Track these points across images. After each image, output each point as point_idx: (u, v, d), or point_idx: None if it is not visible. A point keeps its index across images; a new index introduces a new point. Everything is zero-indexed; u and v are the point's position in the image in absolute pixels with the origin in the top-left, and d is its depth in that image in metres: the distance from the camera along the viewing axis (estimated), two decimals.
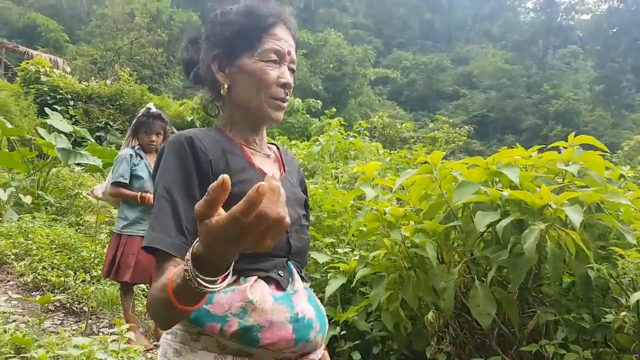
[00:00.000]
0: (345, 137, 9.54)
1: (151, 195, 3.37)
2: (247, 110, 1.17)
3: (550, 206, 1.95)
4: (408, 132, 18.39)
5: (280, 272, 1.11)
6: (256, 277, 1.06)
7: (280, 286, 1.09)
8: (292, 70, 1.18)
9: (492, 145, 42.68)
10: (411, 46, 64.92)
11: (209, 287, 0.75)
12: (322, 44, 36.14)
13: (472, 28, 76.83)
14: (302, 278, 1.18)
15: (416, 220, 2.51)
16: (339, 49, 34.37)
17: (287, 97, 1.17)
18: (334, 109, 15.91)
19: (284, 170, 1.27)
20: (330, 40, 35.70)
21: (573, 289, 2.26)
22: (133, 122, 3.62)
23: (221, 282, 0.77)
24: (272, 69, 1.13)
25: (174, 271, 0.84)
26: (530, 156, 2.50)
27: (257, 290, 1.03)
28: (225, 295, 1.02)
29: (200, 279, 0.74)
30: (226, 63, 1.15)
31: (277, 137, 11.29)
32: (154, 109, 3.57)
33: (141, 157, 3.54)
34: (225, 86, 1.15)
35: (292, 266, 1.16)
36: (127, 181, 3.43)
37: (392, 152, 10.69)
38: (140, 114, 3.55)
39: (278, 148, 1.35)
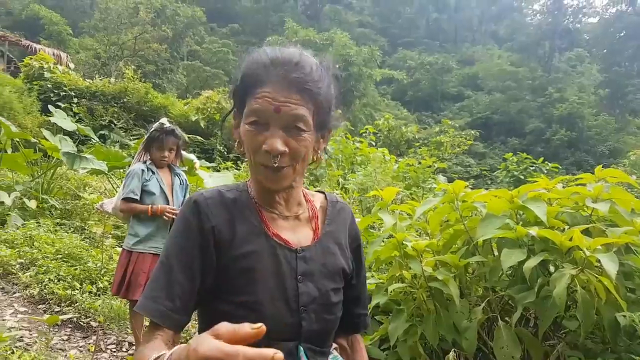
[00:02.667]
0: (351, 142, 9.49)
1: (162, 207, 3.33)
2: (252, 175, 1.09)
3: (581, 250, 1.88)
4: (413, 134, 18.35)
5: None
6: None
7: None
8: (296, 130, 0.99)
9: (495, 148, 42.66)
10: (417, 46, 64.73)
11: None
12: (329, 43, 36.00)
13: (479, 29, 76.63)
14: None
15: (436, 250, 2.45)
16: (345, 48, 34.21)
17: (277, 165, 0.99)
18: (339, 111, 15.77)
19: (319, 232, 1.14)
20: (337, 40, 35.56)
21: (598, 332, 2.20)
22: (145, 137, 3.54)
23: None
24: (256, 133, 0.99)
25: None
26: (554, 187, 2.44)
27: None
28: None
29: None
30: (238, 121, 1.07)
31: None
32: (167, 125, 3.49)
33: (153, 172, 3.47)
34: (236, 142, 1.09)
35: (301, 352, 1.03)
36: (137, 197, 3.36)
37: (397, 156, 10.64)
38: (153, 129, 3.47)
39: (326, 197, 1.22)
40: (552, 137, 41.67)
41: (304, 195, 1.18)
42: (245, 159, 1.10)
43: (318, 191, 1.24)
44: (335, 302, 1.10)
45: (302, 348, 1.04)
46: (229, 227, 1.04)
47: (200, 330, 1.07)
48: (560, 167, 14.81)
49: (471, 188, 2.90)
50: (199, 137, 14.71)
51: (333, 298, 1.10)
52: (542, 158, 14.06)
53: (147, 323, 3.41)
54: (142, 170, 3.42)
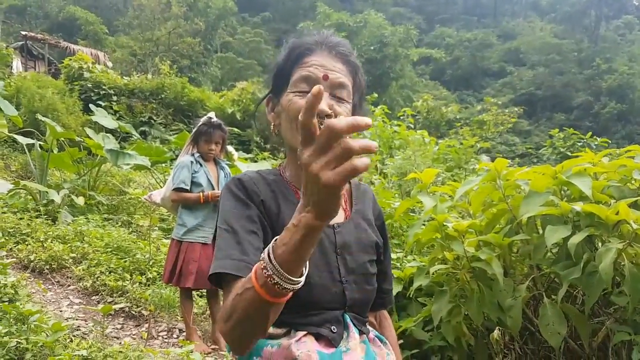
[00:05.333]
0: (389, 126, 9.39)
1: (212, 192, 3.45)
2: (291, 148, 1.13)
3: (628, 223, 1.82)
4: (454, 114, 18.01)
5: (333, 327, 1.05)
6: (306, 332, 1.02)
7: (331, 343, 1.03)
8: (340, 99, 1.06)
9: (540, 125, 41.40)
10: (455, 22, 63.28)
11: (290, 283, 0.79)
12: (362, 25, 35.64)
13: (519, 1, 74.10)
14: (360, 332, 1.11)
15: (478, 230, 2.41)
16: (380, 29, 33.77)
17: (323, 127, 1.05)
18: (375, 95, 15.70)
19: (351, 210, 1.21)
20: (371, 21, 35.14)
21: None
22: (193, 131, 3.70)
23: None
24: (302, 97, 1.04)
25: (254, 269, 0.84)
26: (600, 161, 2.36)
27: (303, 346, 0.98)
28: (272, 349, 1.00)
29: (281, 276, 0.78)
30: (275, 103, 1.15)
31: None
32: (214, 119, 3.64)
33: (200, 165, 3.61)
34: (272, 126, 1.15)
35: (348, 319, 1.09)
36: (188, 187, 3.51)
37: (438, 138, 10.47)
38: (201, 123, 3.63)
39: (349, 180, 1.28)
40: (600, 111, 40.12)
41: None
42: (275, 148, 1.13)
43: None
44: (372, 273, 1.17)
45: (347, 316, 1.09)
46: (275, 202, 1.10)
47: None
48: (610, 142, 14.19)
49: (516, 167, 2.84)
50: (235, 129, 14.88)
51: (370, 269, 1.17)
52: (591, 133, 13.54)
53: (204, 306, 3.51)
54: (191, 162, 3.57)
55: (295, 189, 1.14)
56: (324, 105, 1.00)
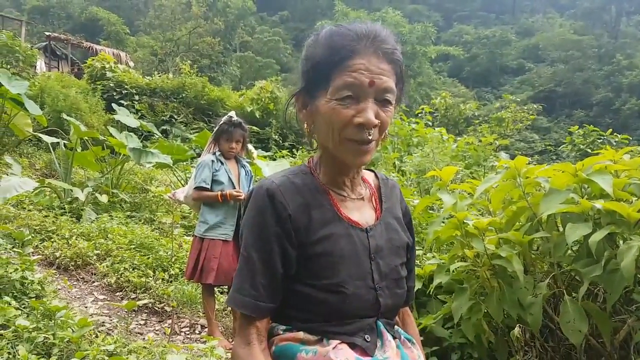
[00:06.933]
0: (407, 123, 9.37)
1: (230, 191, 3.51)
2: (329, 154, 1.07)
3: None
4: (472, 112, 17.88)
5: (367, 335, 1.04)
6: (340, 340, 1.01)
7: (366, 352, 1.02)
8: (385, 102, 0.99)
9: (560, 122, 40.87)
10: (473, 19, 62.73)
11: None
12: (380, 23, 35.47)
13: None
14: (393, 336, 1.10)
15: (498, 228, 2.42)
16: (398, 27, 33.67)
17: (371, 138, 0.98)
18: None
19: (381, 209, 1.16)
20: (388, 19, 35.07)
21: None
22: (215, 130, 3.77)
23: None
24: (346, 107, 0.97)
25: None
26: (621, 159, 2.35)
27: (342, 354, 0.97)
28: (307, 356, 0.99)
29: None
30: (307, 101, 1.06)
31: None
32: (235, 118, 3.71)
33: (222, 163, 3.69)
34: (305, 126, 1.08)
35: (382, 326, 1.07)
36: (209, 186, 3.60)
37: (456, 135, 10.40)
38: (222, 122, 3.70)
39: (377, 175, 1.25)
40: (621, 107, 39.46)
41: None
42: (305, 143, 1.13)
43: (367, 169, 1.25)
44: (403, 276, 1.14)
45: (380, 323, 1.08)
46: (305, 212, 1.04)
47: (281, 312, 1.09)
48: (631, 139, 13.94)
49: (535, 164, 2.83)
50: (254, 127, 14.96)
51: (402, 272, 1.14)
52: (611, 130, 13.32)
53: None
54: (212, 161, 3.65)
55: (330, 192, 1.10)
56: (370, 115, 0.96)
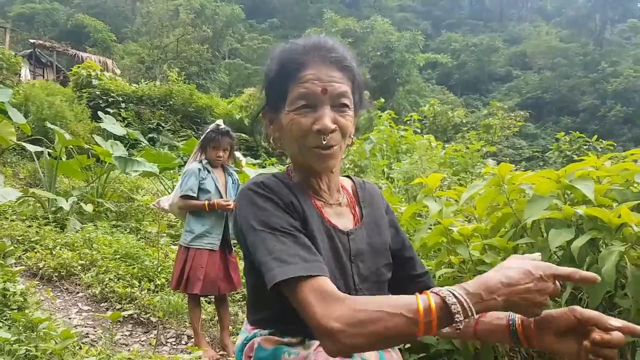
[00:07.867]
0: (396, 131, 9.40)
1: (217, 201, 3.46)
2: (298, 162, 1.13)
3: (630, 226, 1.84)
4: (460, 119, 18.01)
5: None
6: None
7: None
8: (341, 107, 1.04)
9: (547, 128, 41.29)
10: (461, 27, 63.38)
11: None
12: (369, 30, 35.74)
13: (524, 5, 74.11)
14: None
15: (483, 234, 2.43)
16: (386, 35, 33.86)
17: (328, 143, 1.02)
18: (382, 100, 15.71)
19: (361, 215, 1.20)
20: (377, 27, 35.26)
21: None
22: (201, 137, 3.71)
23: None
24: (304, 116, 1.02)
25: (425, 300, 0.84)
26: (602, 165, 2.37)
27: (321, 356, 0.97)
28: (289, 357, 1.01)
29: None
30: (273, 117, 1.13)
31: None
32: (223, 126, 3.64)
33: (208, 171, 3.62)
34: (271, 139, 1.14)
35: None
36: (195, 194, 3.51)
37: (445, 142, 10.45)
38: (209, 130, 3.62)
39: (354, 181, 1.28)
40: (606, 114, 40.00)
41: None
42: (283, 153, 1.15)
43: (344, 176, 1.29)
44: (386, 280, 1.17)
45: None
46: (299, 204, 1.08)
47: (262, 316, 1.11)
48: (616, 145, 14.14)
49: (523, 170, 2.85)
50: (243, 135, 14.94)
51: (386, 274, 1.17)
52: (597, 136, 13.49)
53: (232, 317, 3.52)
54: (199, 169, 3.58)
55: (312, 196, 1.13)
56: (327, 121, 1.00)
